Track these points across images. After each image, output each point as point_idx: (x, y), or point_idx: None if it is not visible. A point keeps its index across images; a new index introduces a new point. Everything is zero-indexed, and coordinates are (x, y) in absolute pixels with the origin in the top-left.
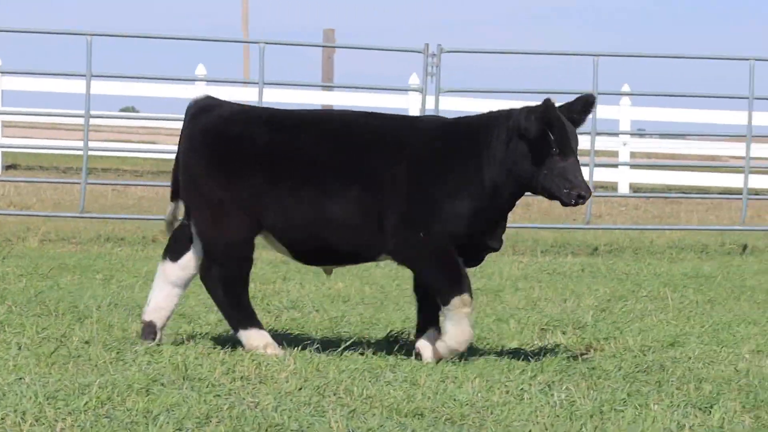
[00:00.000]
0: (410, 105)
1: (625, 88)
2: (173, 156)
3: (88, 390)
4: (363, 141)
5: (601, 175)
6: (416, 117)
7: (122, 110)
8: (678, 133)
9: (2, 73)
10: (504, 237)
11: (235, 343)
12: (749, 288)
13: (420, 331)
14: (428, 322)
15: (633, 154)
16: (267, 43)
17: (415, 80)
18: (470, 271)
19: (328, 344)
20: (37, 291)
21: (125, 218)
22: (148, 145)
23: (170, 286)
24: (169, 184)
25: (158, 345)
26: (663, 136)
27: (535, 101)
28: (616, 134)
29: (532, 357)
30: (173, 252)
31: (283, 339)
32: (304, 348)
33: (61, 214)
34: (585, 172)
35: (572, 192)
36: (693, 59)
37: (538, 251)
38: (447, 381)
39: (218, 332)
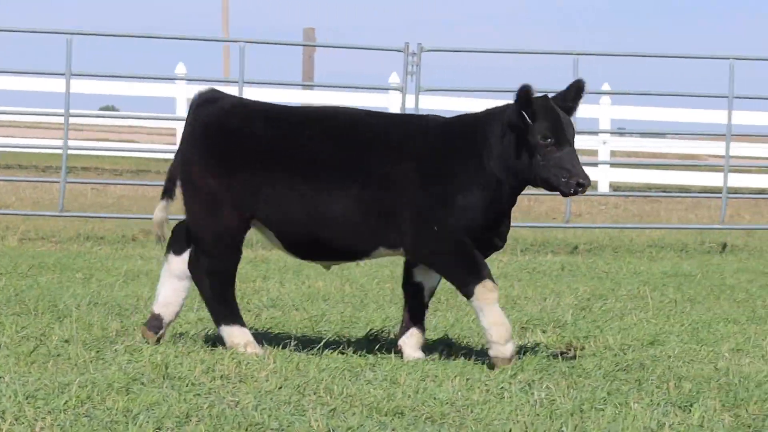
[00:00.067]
0: (390, 104)
1: (606, 87)
2: (153, 155)
3: (68, 389)
4: (365, 139)
5: None
6: (418, 115)
7: (102, 109)
8: (658, 131)
9: None
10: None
11: (215, 342)
12: (729, 287)
13: (404, 329)
14: (413, 320)
15: (613, 153)
16: (247, 42)
17: (395, 79)
18: None
19: (309, 343)
20: (16, 290)
21: (105, 217)
22: (127, 144)
23: (176, 279)
24: (149, 183)
25: (158, 340)
26: (643, 135)
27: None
28: (596, 133)
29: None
30: (177, 245)
31: (263, 338)
32: (284, 347)
33: (40, 213)
34: None
35: (571, 181)
36: (673, 58)
37: (518, 250)
38: (427, 380)
39: (198, 331)
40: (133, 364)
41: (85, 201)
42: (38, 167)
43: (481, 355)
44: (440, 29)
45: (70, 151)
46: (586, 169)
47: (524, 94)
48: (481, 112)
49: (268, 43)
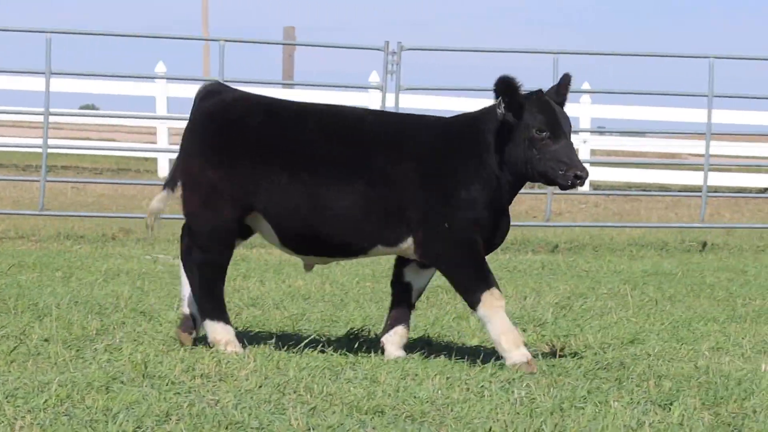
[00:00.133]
0: (370, 103)
1: (586, 86)
2: (133, 154)
3: (48, 388)
4: (368, 136)
5: None
6: (419, 115)
7: (82, 108)
8: (638, 130)
9: None
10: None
11: (195, 340)
12: (709, 285)
13: (388, 327)
14: (398, 319)
15: (593, 152)
16: (227, 41)
17: (375, 78)
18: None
19: (289, 342)
20: None
21: (85, 216)
22: (107, 143)
23: None
24: (128, 181)
25: (193, 341)
26: (623, 134)
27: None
28: (576, 132)
29: (492, 354)
30: None
31: (244, 336)
32: (264, 345)
33: (20, 211)
34: None
35: (568, 173)
36: (653, 57)
37: (498, 248)
38: (407, 378)
39: None
40: (113, 363)
41: (65, 200)
42: (18, 166)
43: (461, 353)
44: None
45: (49, 150)
46: None
47: (499, 82)
48: (478, 111)
49: (248, 41)
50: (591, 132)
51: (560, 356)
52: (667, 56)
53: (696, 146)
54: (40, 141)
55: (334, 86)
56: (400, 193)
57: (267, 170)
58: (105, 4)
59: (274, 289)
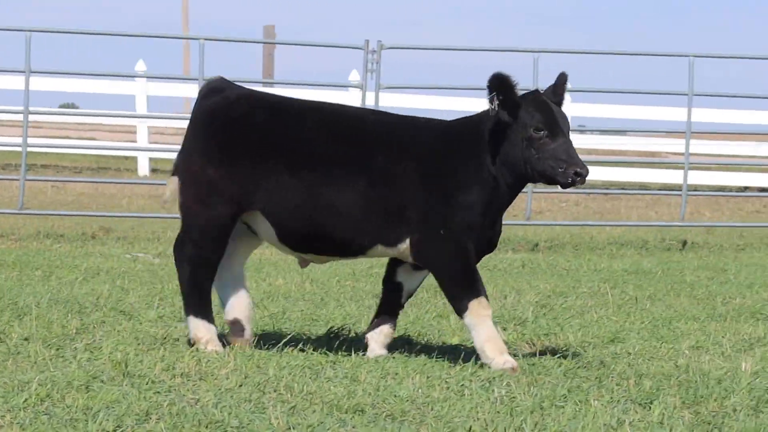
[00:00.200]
0: (350, 101)
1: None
2: (113, 152)
3: (28, 387)
4: (371, 136)
5: None
6: (419, 117)
7: (62, 106)
8: (618, 129)
9: None
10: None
11: (175, 339)
12: (689, 284)
13: (374, 324)
14: (385, 318)
15: None
16: (207, 39)
17: (355, 76)
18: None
19: (269, 341)
20: None
21: (64, 215)
22: (87, 142)
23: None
24: (108, 180)
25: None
26: (603, 132)
27: (474, 98)
28: None
29: (472, 353)
30: None
31: (224, 335)
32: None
33: None
34: None
35: (568, 170)
36: (633, 56)
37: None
38: (388, 377)
39: (158, 329)
40: (93, 362)
41: (45, 198)
42: None
43: (441, 352)
44: (400, 27)
45: (29, 149)
46: None
47: (493, 78)
48: (479, 113)
49: (228, 40)
50: (571, 131)
51: (540, 355)
52: (647, 55)
53: (676, 145)
54: (19, 140)
55: (314, 85)
56: (400, 193)
57: (268, 168)
58: (85, 2)
59: (254, 287)
